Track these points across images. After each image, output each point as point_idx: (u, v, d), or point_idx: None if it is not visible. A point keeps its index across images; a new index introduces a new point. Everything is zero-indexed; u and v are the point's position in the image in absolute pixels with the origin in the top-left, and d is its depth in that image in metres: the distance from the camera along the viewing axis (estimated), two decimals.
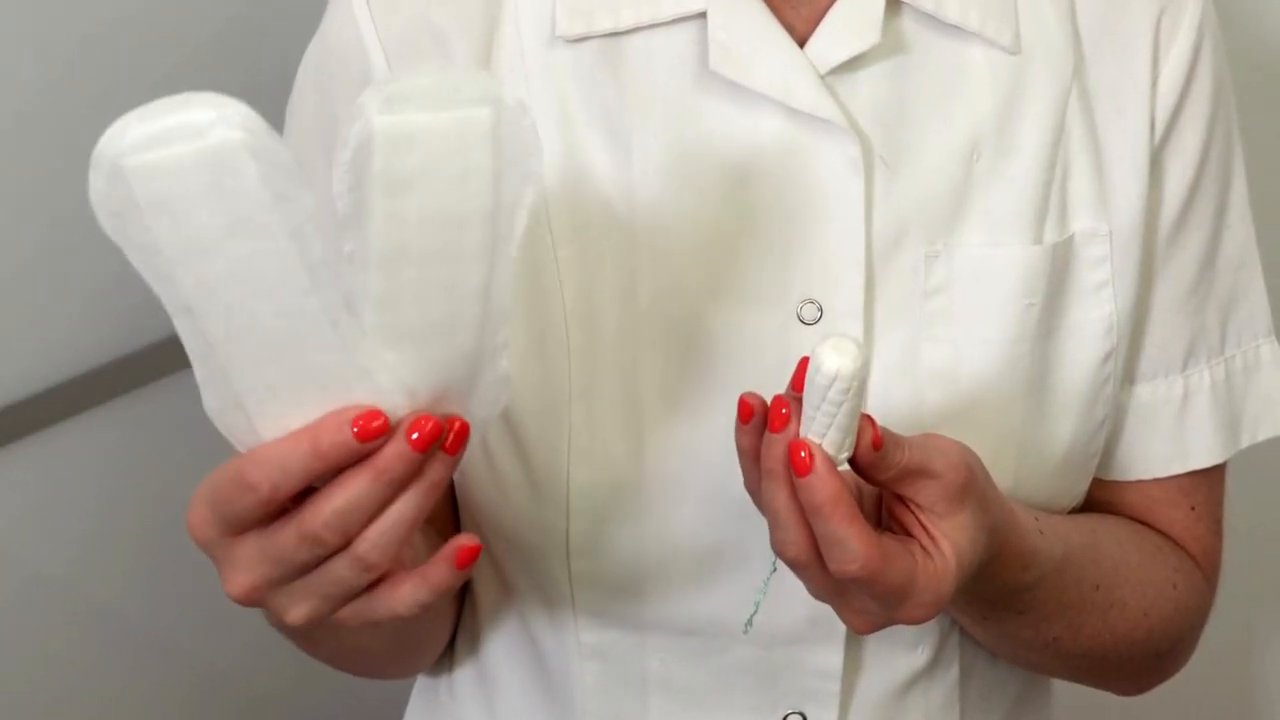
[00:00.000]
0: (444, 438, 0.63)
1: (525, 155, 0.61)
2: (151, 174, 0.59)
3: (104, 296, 1.43)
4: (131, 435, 1.53)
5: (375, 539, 0.64)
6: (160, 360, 1.49)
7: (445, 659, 0.94)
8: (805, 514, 0.69)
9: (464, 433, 0.64)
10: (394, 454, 0.62)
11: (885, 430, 0.69)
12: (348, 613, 0.67)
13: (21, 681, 1.49)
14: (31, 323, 1.42)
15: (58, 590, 1.51)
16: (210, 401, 0.64)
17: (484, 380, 0.65)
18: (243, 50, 1.52)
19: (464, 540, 0.66)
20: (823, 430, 0.67)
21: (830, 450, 0.68)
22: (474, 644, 0.92)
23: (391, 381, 0.63)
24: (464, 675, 0.93)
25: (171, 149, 0.59)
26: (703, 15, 0.79)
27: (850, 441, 0.68)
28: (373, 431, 0.62)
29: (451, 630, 0.93)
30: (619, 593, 0.83)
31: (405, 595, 0.66)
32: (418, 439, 0.62)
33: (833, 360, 0.65)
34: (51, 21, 1.38)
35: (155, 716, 1.62)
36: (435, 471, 0.64)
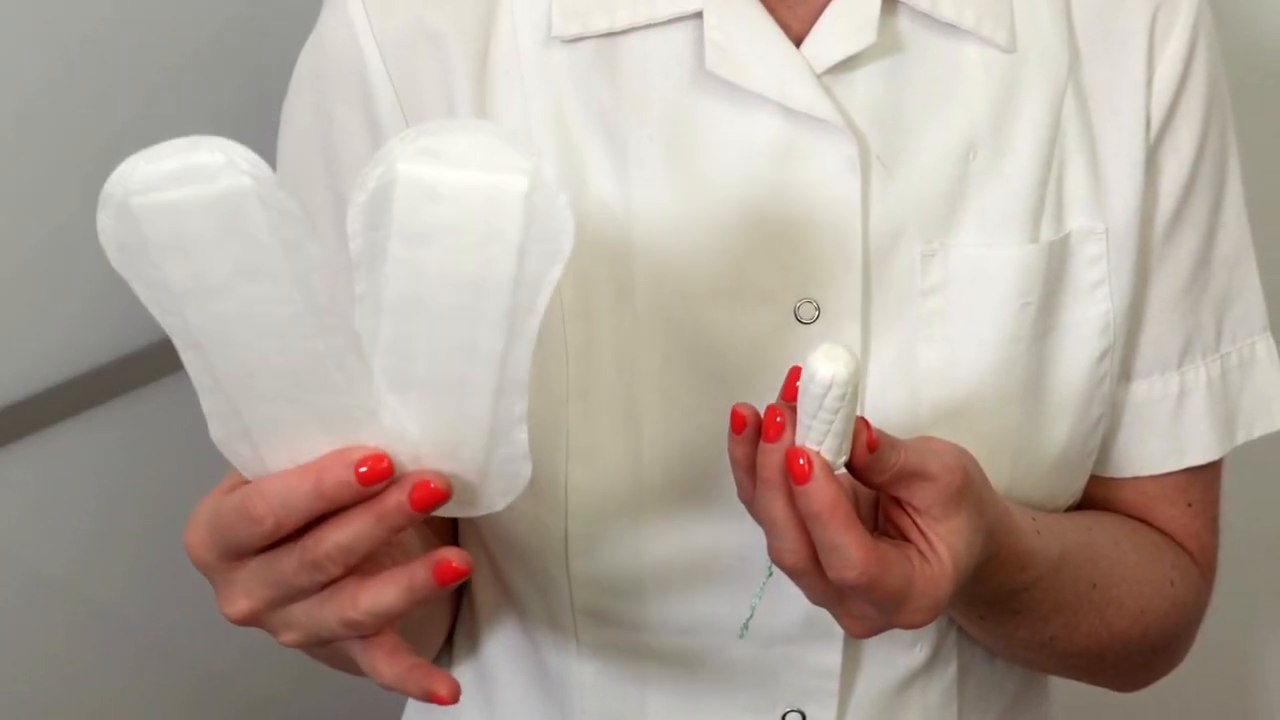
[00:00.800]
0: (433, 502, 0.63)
1: (555, 233, 0.60)
2: (161, 214, 0.59)
3: (104, 296, 1.43)
4: (131, 435, 1.53)
5: (368, 613, 0.65)
6: (160, 360, 1.49)
7: (444, 658, 0.94)
8: (803, 522, 0.69)
9: (460, 574, 0.64)
10: (395, 505, 0.63)
11: (880, 432, 0.69)
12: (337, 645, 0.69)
13: (21, 681, 1.49)
14: (31, 323, 1.43)
15: (58, 590, 1.51)
16: (218, 432, 0.65)
17: (499, 454, 0.65)
18: (243, 50, 1.52)
19: (443, 689, 0.67)
20: (819, 438, 0.67)
21: (828, 456, 0.68)
22: (473, 643, 0.92)
23: (396, 425, 0.63)
24: (463, 674, 0.93)
25: (180, 191, 0.59)
26: (698, 15, 0.79)
27: (846, 446, 0.68)
28: (377, 475, 0.63)
29: (447, 631, 0.94)
30: (617, 593, 0.83)
31: (385, 671, 0.67)
32: (419, 498, 0.63)
33: (826, 368, 0.65)
34: (51, 21, 1.38)
35: (155, 716, 1.62)
36: (425, 590, 0.64)
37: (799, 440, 0.68)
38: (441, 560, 0.64)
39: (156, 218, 0.59)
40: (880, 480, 0.70)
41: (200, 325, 0.61)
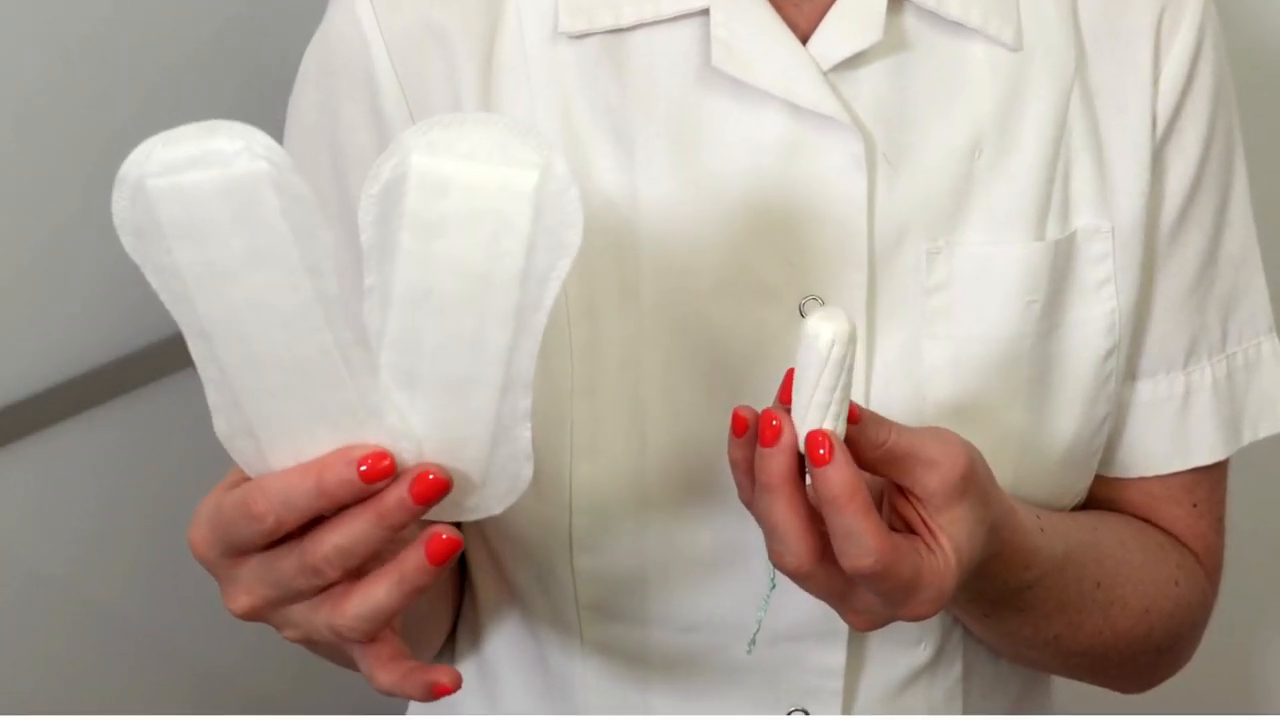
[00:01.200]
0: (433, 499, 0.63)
1: (564, 227, 0.61)
2: (175, 197, 0.59)
3: (104, 296, 1.43)
4: (131, 435, 1.53)
5: (355, 618, 0.65)
6: (160, 360, 1.49)
7: (446, 655, 0.94)
8: (804, 524, 0.69)
9: (453, 546, 0.63)
10: (395, 501, 0.63)
11: (863, 408, 0.69)
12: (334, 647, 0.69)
13: (21, 681, 1.49)
14: (31, 323, 1.42)
15: (58, 590, 1.51)
16: (221, 426, 0.65)
17: (502, 453, 0.65)
18: (243, 50, 1.52)
19: (444, 678, 0.67)
20: (825, 400, 0.67)
21: (830, 425, 0.67)
22: (476, 639, 0.92)
23: (401, 423, 0.63)
24: (466, 670, 0.93)
25: (196, 174, 0.59)
26: (705, 12, 0.79)
27: (845, 416, 0.68)
28: (379, 472, 0.63)
29: (450, 627, 0.93)
30: (621, 589, 0.83)
31: (382, 678, 0.67)
32: (420, 491, 0.63)
33: (828, 328, 0.66)
34: (51, 21, 1.38)
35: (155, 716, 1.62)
36: (417, 578, 0.64)
37: (800, 419, 0.67)
38: (431, 536, 0.63)
39: (171, 201, 0.59)
40: (871, 457, 0.70)
41: (209, 313, 0.61)
